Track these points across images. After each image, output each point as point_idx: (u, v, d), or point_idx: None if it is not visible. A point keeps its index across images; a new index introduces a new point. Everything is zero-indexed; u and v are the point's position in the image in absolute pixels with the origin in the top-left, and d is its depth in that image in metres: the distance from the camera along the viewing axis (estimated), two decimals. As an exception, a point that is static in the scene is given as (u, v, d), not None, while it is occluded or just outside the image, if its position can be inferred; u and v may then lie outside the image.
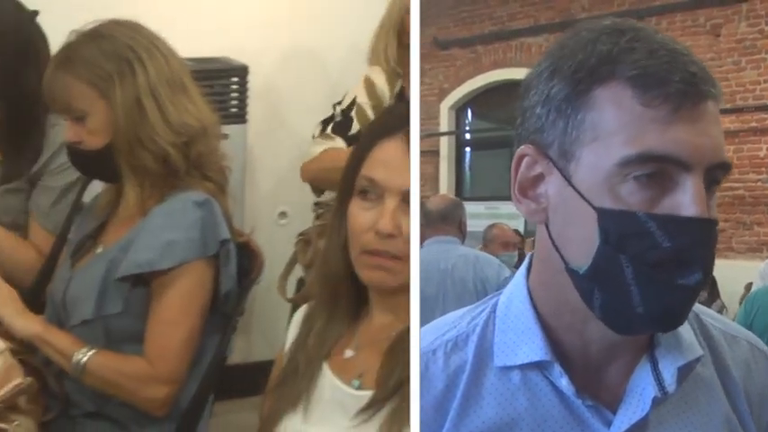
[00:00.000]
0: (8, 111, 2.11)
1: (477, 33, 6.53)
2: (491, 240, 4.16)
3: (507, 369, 0.99)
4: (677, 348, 0.99)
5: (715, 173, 0.92)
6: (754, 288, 3.77)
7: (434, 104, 6.68)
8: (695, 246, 0.90)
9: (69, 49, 1.77)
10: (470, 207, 3.61)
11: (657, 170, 0.90)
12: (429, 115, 6.68)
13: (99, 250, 1.82)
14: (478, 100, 6.70)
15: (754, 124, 5.43)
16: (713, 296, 5.16)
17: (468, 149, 6.91)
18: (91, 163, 1.81)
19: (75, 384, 1.74)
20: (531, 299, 1.01)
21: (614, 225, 0.90)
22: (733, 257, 5.36)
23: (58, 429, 1.76)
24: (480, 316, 1.05)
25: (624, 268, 0.90)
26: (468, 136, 7.03)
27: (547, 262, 0.98)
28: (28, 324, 1.72)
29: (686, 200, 0.89)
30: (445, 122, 6.72)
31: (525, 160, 0.97)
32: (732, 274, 4.94)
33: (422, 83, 6.49)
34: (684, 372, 0.98)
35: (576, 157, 0.93)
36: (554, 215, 0.96)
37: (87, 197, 2.06)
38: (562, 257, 0.95)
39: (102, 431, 1.77)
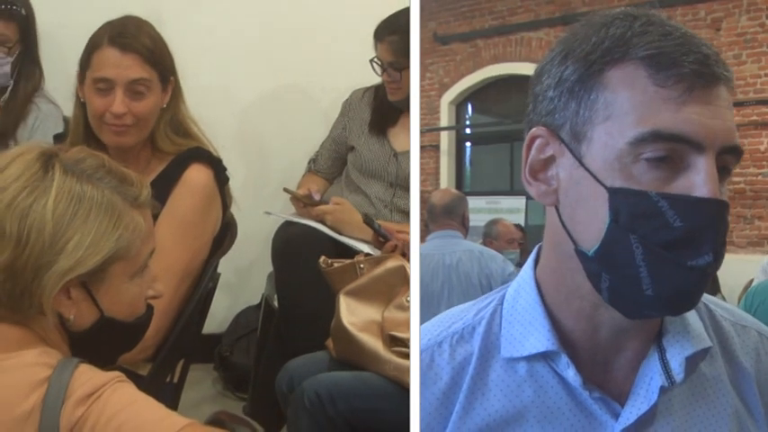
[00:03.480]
0: None
1: (477, 28, 6.53)
2: (495, 237, 4.14)
3: (514, 361, 0.99)
4: (685, 337, 0.98)
5: (726, 158, 0.92)
6: (755, 283, 3.76)
7: (435, 99, 6.68)
8: (707, 227, 0.89)
9: None
10: (471, 202, 3.60)
11: (669, 151, 0.89)
12: (429, 110, 6.68)
13: None
14: (479, 95, 6.69)
15: (755, 118, 5.42)
16: (714, 290, 5.17)
17: (468, 144, 6.91)
18: None
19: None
20: (539, 290, 1.01)
21: (625, 204, 0.90)
22: (734, 251, 5.36)
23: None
24: (487, 308, 1.04)
25: (634, 249, 0.90)
26: (468, 131, 7.03)
27: (557, 247, 0.98)
28: None
29: (699, 180, 0.89)
30: (445, 117, 6.72)
31: (537, 142, 0.97)
32: (733, 268, 4.93)
33: (422, 78, 6.49)
34: (693, 362, 0.98)
35: (587, 137, 0.93)
36: (565, 197, 0.96)
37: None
38: (572, 239, 0.95)
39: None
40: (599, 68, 0.93)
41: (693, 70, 0.90)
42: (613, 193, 0.91)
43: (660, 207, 0.89)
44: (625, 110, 0.91)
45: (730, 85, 0.93)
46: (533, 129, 0.97)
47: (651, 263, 0.90)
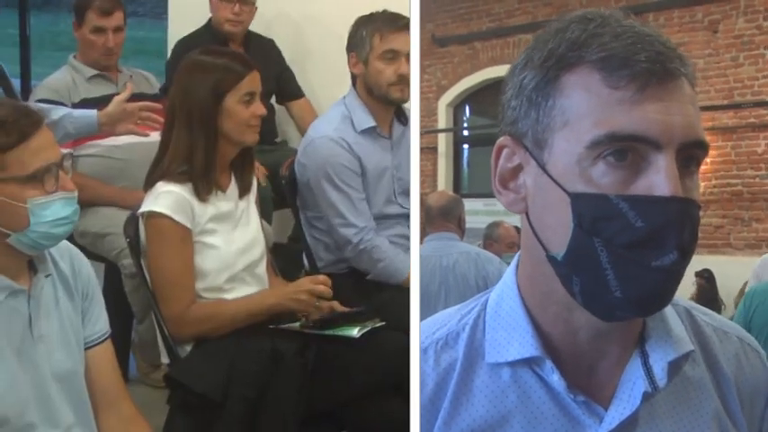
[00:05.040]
0: None
1: (474, 30, 6.53)
2: (496, 240, 4.14)
3: (498, 366, 0.99)
4: (667, 342, 0.98)
5: (691, 152, 0.92)
6: (749, 286, 3.77)
7: (432, 101, 6.68)
8: (669, 226, 0.89)
9: None
10: (468, 204, 3.60)
11: (627, 150, 0.89)
12: (427, 112, 6.68)
13: None
14: (476, 97, 6.69)
15: (752, 120, 5.42)
16: (713, 293, 5.16)
17: (466, 146, 6.91)
18: None
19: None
20: (521, 295, 1.01)
21: (587, 208, 0.90)
22: (731, 254, 5.36)
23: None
24: (470, 314, 1.04)
25: (599, 252, 0.90)
26: (465, 133, 7.03)
27: (530, 252, 0.99)
28: None
29: (658, 179, 0.89)
30: (443, 119, 6.72)
31: (504, 152, 0.99)
32: (730, 270, 4.94)
33: (420, 80, 6.48)
34: (675, 366, 0.98)
35: (548, 143, 0.93)
36: (532, 204, 0.97)
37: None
38: (543, 245, 0.95)
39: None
40: (554, 75, 0.93)
41: (646, 68, 0.90)
42: (575, 198, 0.91)
43: (621, 209, 0.89)
44: (581, 114, 0.91)
45: (691, 80, 0.93)
46: (500, 139, 0.99)
47: (616, 265, 0.90)
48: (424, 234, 3.21)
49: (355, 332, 2.33)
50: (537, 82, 0.94)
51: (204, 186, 2.33)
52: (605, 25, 0.93)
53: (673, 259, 0.90)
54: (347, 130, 2.85)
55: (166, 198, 2.30)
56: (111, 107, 2.79)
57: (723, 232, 5.48)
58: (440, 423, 0.99)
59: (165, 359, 2.43)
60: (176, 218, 2.29)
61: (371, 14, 2.88)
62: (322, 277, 2.42)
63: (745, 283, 4.33)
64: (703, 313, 1.09)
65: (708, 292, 5.11)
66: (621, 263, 0.90)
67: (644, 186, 0.90)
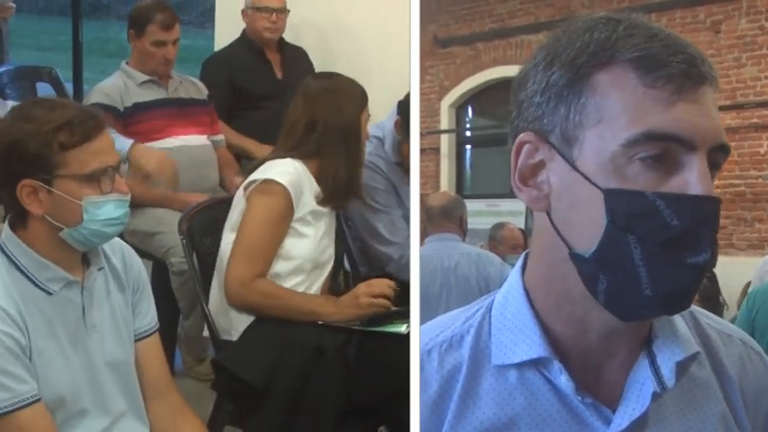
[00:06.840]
0: None
1: (477, 31, 6.53)
2: (500, 242, 4.14)
3: (504, 368, 0.99)
4: (675, 342, 0.99)
5: (716, 156, 0.93)
6: (752, 287, 3.76)
7: (435, 102, 6.68)
8: (703, 224, 0.90)
9: None
10: (471, 204, 3.61)
11: (663, 150, 0.90)
12: (429, 113, 6.68)
13: None
14: (479, 98, 6.69)
15: (755, 120, 5.42)
16: (715, 292, 5.16)
17: (468, 147, 6.91)
18: None
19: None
20: (528, 296, 1.01)
21: (622, 205, 0.90)
22: (734, 254, 5.36)
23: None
24: (475, 316, 1.04)
25: (632, 249, 0.90)
26: (468, 134, 7.03)
27: (548, 251, 0.98)
28: None
29: (693, 179, 0.90)
30: (446, 120, 6.72)
31: (526, 148, 0.98)
32: (733, 270, 4.93)
33: (422, 81, 6.48)
34: (683, 367, 0.98)
35: (578, 141, 0.93)
36: (557, 201, 0.96)
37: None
38: (567, 244, 0.95)
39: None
40: (586, 72, 0.93)
41: (682, 70, 0.91)
42: (609, 194, 0.91)
43: (657, 206, 0.89)
44: (616, 112, 0.91)
45: (716, 85, 0.94)
46: (521, 134, 0.98)
47: (650, 262, 0.90)
48: (424, 235, 3.21)
49: (404, 329, 2.42)
50: (568, 79, 0.94)
51: (342, 201, 2.57)
52: (635, 26, 0.94)
53: (706, 258, 0.91)
54: (380, 156, 2.97)
55: (288, 174, 2.44)
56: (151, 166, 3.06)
57: (726, 233, 5.47)
58: (447, 427, 0.99)
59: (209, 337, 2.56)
60: (290, 191, 2.40)
61: None
62: (378, 280, 2.53)
63: (748, 284, 4.32)
64: (707, 316, 1.09)
65: (710, 292, 5.11)
66: (656, 261, 0.90)
67: (677, 185, 0.91)
